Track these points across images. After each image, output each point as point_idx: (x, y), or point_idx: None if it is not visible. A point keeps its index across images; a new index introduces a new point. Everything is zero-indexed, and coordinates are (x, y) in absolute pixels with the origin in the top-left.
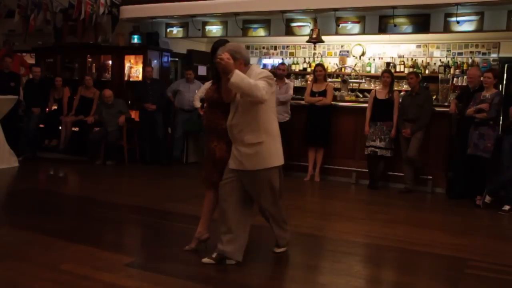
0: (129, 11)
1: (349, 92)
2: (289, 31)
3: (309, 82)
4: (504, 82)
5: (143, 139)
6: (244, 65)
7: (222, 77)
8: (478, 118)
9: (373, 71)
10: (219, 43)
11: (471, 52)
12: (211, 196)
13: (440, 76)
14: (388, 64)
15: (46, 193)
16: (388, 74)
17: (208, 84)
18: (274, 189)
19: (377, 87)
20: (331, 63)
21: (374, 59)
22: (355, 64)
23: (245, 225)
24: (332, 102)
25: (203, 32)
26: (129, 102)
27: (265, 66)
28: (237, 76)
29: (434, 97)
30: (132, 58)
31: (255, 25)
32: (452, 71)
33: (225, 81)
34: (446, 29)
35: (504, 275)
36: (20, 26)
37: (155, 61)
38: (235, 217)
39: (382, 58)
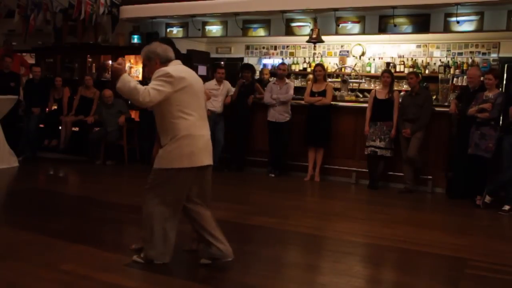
0: (129, 11)
1: (349, 92)
2: (289, 31)
3: (309, 82)
4: (504, 82)
5: (144, 139)
6: (161, 63)
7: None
8: (480, 118)
9: (373, 71)
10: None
11: (471, 52)
12: None
13: (440, 76)
14: (388, 64)
15: (46, 193)
16: (388, 74)
17: (208, 84)
18: (161, 192)
19: (377, 87)
20: (331, 63)
21: (374, 59)
22: (355, 64)
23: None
24: (332, 102)
25: (203, 32)
26: (129, 102)
27: (265, 66)
28: (121, 80)
29: (434, 97)
30: (132, 58)
31: (255, 25)
32: (452, 71)
33: None
34: (446, 29)
35: (504, 275)
36: (20, 26)
37: None
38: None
39: (382, 58)
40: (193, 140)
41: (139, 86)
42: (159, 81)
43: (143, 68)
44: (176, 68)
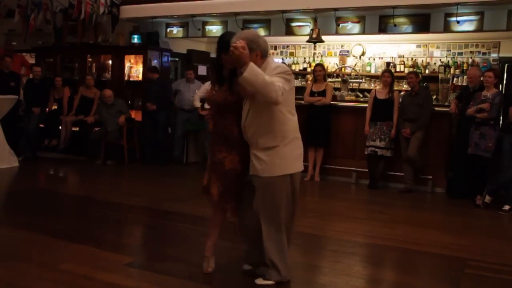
0: (129, 11)
1: (349, 92)
2: (289, 31)
3: (309, 82)
4: (504, 82)
5: (145, 139)
6: (261, 57)
7: (237, 70)
8: (479, 118)
9: (373, 71)
10: (227, 35)
11: (471, 52)
12: (224, 216)
13: (440, 76)
14: (388, 64)
15: (46, 193)
16: (389, 74)
17: (208, 84)
18: (277, 203)
19: (377, 87)
20: (331, 63)
21: (374, 59)
22: (355, 64)
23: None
24: (332, 102)
25: (203, 32)
26: (129, 102)
27: None
28: (252, 70)
29: (434, 97)
30: (132, 58)
31: (255, 25)
32: (452, 71)
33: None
34: (446, 29)
35: (504, 275)
36: (20, 26)
37: (155, 61)
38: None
39: (382, 58)
40: (299, 142)
41: (274, 81)
42: (283, 78)
43: (225, 56)
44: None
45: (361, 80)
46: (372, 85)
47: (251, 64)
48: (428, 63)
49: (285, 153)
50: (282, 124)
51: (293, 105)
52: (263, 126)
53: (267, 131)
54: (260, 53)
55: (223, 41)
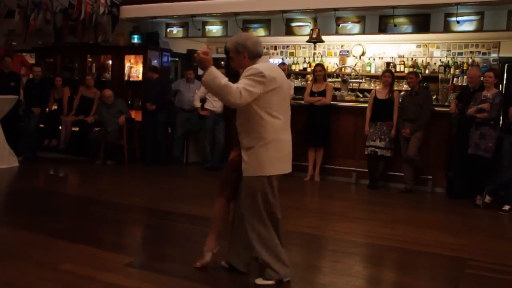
0: (129, 11)
1: (349, 92)
2: (289, 31)
3: (309, 82)
4: (504, 82)
5: (145, 139)
6: (249, 59)
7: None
8: (479, 118)
9: (373, 71)
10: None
11: (471, 52)
12: (222, 203)
13: (440, 76)
14: (388, 64)
15: (46, 193)
16: (389, 74)
17: None
18: (256, 203)
19: (377, 87)
20: (331, 63)
21: (374, 59)
22: (355, 64)
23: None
24: (332, 102)
25: (203, 32)
26: (129, 102)
27: None
28: (209, 74)
29: (434, 97)
30: (132, 58)
31: (255, 25)
32: (452, 71)
33: None
34: (446, 29)
35: (504, 275)
36: (20, 26)
37: (155, 61)
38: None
39: (382, 58)
40: (281, 145)
41: (230, 85)
42: (251, 81)
43: (230, 61)
44: (267, 66)
45: (361, 80)
46: (372, 85)
47: (210, 69)
48: (428, 63)
49: (261, 155)
50: (259, 125)
51: (276, 107)
52: (244, 126)
53: (246, 131)
54: (247, 55)
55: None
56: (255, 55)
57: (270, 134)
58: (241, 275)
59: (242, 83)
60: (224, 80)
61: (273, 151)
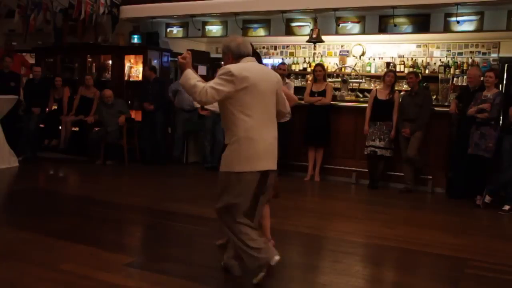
0: (129, 11)
1: (349, 92)
2: (289, 31)
3: (309, 82)
4: (504, 82)
5: (144, 138)
6: (233, 59)
7: None
8: (480, 118)
9: (373, 71)
10: None
11: (471, 52)
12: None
13: (440, 76)
14: (388, 64)
15: (46, 193)
16: (393, 75)
17: None
18: (225, 198)
19: (377, 86)
20: (331, 63)
21: (374, 59)
22: (355, 64)
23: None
24: (332, 102)
25: (203, 32)
26: (129, 102)
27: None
28: (184, 76)
29: (434, 97)
30: (132, 58)
31: (255, 25)
32: (452, 71)
33: None
34: (446, 29)
35: (504, 275)
36: (20, 26)
37: (155, 61)
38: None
39: (382, 58)
40: (252, 143)
41: (198, 84)
42: (220, 80)
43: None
44: (243, 66)
45: (361, 80)
46: (372, 85)
47: (186, 71)
48: (428, 63)
49: (231, 152)
50: (232, 124)
51: (249, 106)
52: (223, 125)
53: (225, 129)
54: (231, 56)
55: None
56: (238, 55)
57: (241, 132)
58: (241, 275)
59: (212, 82)
60: (193, 80)
61: (243, 149)
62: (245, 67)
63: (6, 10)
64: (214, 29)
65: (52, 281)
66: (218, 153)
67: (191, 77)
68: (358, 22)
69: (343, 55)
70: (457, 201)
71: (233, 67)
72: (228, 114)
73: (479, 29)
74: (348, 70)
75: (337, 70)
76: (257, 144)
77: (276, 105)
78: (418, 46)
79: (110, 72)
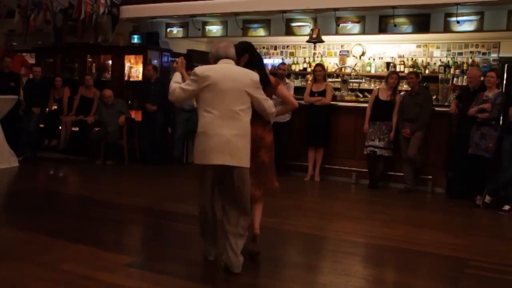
0: (129, 11)
1: (349, 92)
2: (289, 31)
3: (309, 82)
4: (504, 82)
5: (144, 139)
6: (213, 61)
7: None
8: (480, 118)
9: (373, 71)
10: (243, 44)
11: (471, 52)
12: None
13: (440, 76)
14: (388, 64)
15: (46, 193)
16: (396, 76)
17: None
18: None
19: (378, 86)
20: (331, 63)
21: (374, 59)
22: (355, 64)
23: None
24: (332, 102)
25: (203, 32)
26: (129, 102)
27: (265, 66)
28: (172, 78)
29: (434, 97)
30: (132, 58)
31: (255, 25)
32: (452, 71)
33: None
34: (446, 29)
35: (504, 275)
36: (20, 26)
37: (155, 61)
38: None
39: (382, 58)
40: (206, 138)
41: (172, 85)
42: (188, 80)
43: None
44: (209, 66)
45: (361, 80)
46: (372, 85)
47: (174, 75)
48: (428, 63)
49: (194, 146)
50: (199, 120)
51: (209, 102)
52: None
53: None
54: (212, 59)
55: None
56: (216, 58)
57: (200, 127)
58: (241, 275)
59: (184, 83)
60: (172, 81)
61: (199, 143)
62: (211, 67)
63: (6, 10)
64: (214, 29)
65: (52, 281)
66: None
67: (175, 79)
68: (358, 22)
69: (343, 55)
70: (457, 201)
71: (198, 68)
72: (197, 111)
73: (479, 29)
74: (348, 70)
75: (337, 70)
76: (210, 139)
77: (255, 106)
78: (418, 46)
79: (110, 72)
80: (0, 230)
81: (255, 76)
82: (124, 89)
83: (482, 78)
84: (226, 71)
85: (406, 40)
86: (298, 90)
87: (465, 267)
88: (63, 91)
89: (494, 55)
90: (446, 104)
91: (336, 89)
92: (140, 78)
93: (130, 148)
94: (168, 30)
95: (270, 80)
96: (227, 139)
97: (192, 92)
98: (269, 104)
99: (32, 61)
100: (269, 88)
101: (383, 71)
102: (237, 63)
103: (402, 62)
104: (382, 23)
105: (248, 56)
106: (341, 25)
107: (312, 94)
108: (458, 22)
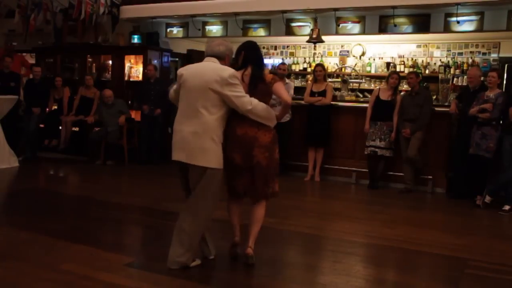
0: (129, 11)
1: (349, 92)
2: (289, 31)
3: (309, 82)
4: (505, 82)
5: (143, 139)
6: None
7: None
8: (481, 118)
9: (373, 71)
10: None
11: (471, 52)
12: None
13: (440, 76)
14: (388, 64)
15: (46, 193)
16: (397, 76)
17: None
18: None
19: (379, 86)
20: (331, 63)
21: (374, 59)
22: (355, 64)
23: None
24: (332, 102)
25: (203, 32)
26: (129, 102)
27: (265, 66)
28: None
29: (434, 97)
30: (132, 58)
31: (255, 25)
32: (452, 71)
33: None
34: (446, 29)
35: (504, 275)
36: (20, 26)
37: (155, 61)
38: None
39: (382, 58)
40: (173, 134)
41: (173, 86)
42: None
43: None
44: (188, 65)
45: (361, 80)
46: (372, 85)
47: None
48: (428, 63)
49: None
50: None
51: (180, 100)
52: None
53: None
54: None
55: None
56: (205, 56)
57: (174, 124)
58: (241, 275)
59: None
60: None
61: (175, 138)
62: (189, 66)
63: (6, 10)
64: (214, 29)
65: (52, 281)
66: None
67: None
68: (358, 22)
69: (343, 55)
70: (457, 201)
71: (181, 68)
72: None
73: (479, 29)
74: (348, 70)
75: (337, 70)
76: (174, 135)
77: (228, 104)
78: (418, 46)
79: (110, 72)
80: (0, 230)
81: (226, 72)
82: (124, 89)
83: (482, 78)
84: (198, 69)
85: (406, 40)
86: (298, 90)
87: (465, 267)
88: (63, 91)
89: (494, 55)
90: (446, 104)
91: (336, 89)
92: (140, 78)
93: (130, 148)
94: (168, 30)
95: (263, 78)
96: (182, 136)
97: (176, 90)
98: (242, 102)
99: (32, 61)
100: (261, 86)
101: (383, 71)
102: (236, 61)
103: (402, 62)
104: (382, 23)
105: (244, 53)
106: (341, 25)
107: (312, 94)
108: (458, 22)
